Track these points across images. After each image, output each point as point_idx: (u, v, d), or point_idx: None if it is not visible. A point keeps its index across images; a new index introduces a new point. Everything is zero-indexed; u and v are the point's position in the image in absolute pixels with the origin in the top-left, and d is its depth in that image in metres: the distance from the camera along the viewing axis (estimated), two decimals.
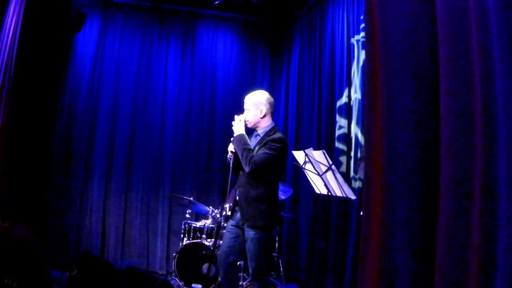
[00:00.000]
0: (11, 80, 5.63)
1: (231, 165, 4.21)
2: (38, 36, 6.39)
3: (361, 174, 5.47)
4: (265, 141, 4.09)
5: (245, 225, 4.06)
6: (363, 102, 5.69)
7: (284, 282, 6.40)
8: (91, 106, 7.45)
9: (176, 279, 5.91)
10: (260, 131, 4.25)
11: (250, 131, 4.28)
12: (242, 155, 4.00)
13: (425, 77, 2.50)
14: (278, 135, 4.15)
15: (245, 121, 4.23)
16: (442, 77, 2.35)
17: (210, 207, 6.47)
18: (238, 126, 4.18)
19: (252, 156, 3.96)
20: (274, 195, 4.19)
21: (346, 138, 6.08)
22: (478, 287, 2.12)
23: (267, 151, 4.00)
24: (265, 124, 4.25)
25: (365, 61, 5.49)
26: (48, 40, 6.69)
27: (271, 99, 4.34)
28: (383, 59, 2.54)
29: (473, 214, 2.24)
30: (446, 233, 2.27)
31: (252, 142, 4.23)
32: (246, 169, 3.98)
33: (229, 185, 4.28)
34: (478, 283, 2.13)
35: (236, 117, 4.23)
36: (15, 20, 5.62)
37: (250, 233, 4.02)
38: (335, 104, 6.38)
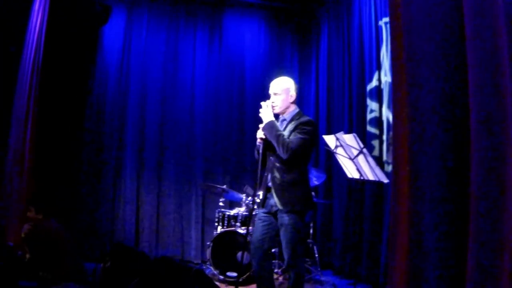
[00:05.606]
0: (39, 75, 5.73)
1: (260, 152, 4.16)
2: (64, 30, 6.49)
3: (390, 159, 5.35)
4: (294, 125, 4.03)
5: (279, 211, 3.99)
6: None
7: (319, 268, 6.37)
8: (120, 98, 7.52)
9: (211, 267, 5.93)
10: (287, 116, 4.20)
11: (275, 116, 4.20)
12: (277, 142, 3.93)
13: (452, 53, 2.43)
14: (306, 118, 4.09)
15: (272, 107, 4.16)
16: (469, 52, 2.27)
17: (244, 194, 6.46)
18: (266, 113, 4.10)
19: (289, 143, 3.89)
20: (307, 178, 4.16)
21: (377, 121, 6.00)
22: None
23: (301, 136, 3.93)
24: (292, 109, 4.22)
25: (390, 40, 5.38)
26: (74, 34, 6.79)
27: (296, 85, 4.30)
28: (406, 37, 2.48)
29: (506, 197, 2.17)
30: (477, 215, 2.21)
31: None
32: (284, 156, 3.90)
33: (259, 171, 4.20)
34: None
35: (263, 103, 4.15)
36: (41, 15, 5.71)
37: (285, 219, 3.94)
38: (365, 87, 6.28)
